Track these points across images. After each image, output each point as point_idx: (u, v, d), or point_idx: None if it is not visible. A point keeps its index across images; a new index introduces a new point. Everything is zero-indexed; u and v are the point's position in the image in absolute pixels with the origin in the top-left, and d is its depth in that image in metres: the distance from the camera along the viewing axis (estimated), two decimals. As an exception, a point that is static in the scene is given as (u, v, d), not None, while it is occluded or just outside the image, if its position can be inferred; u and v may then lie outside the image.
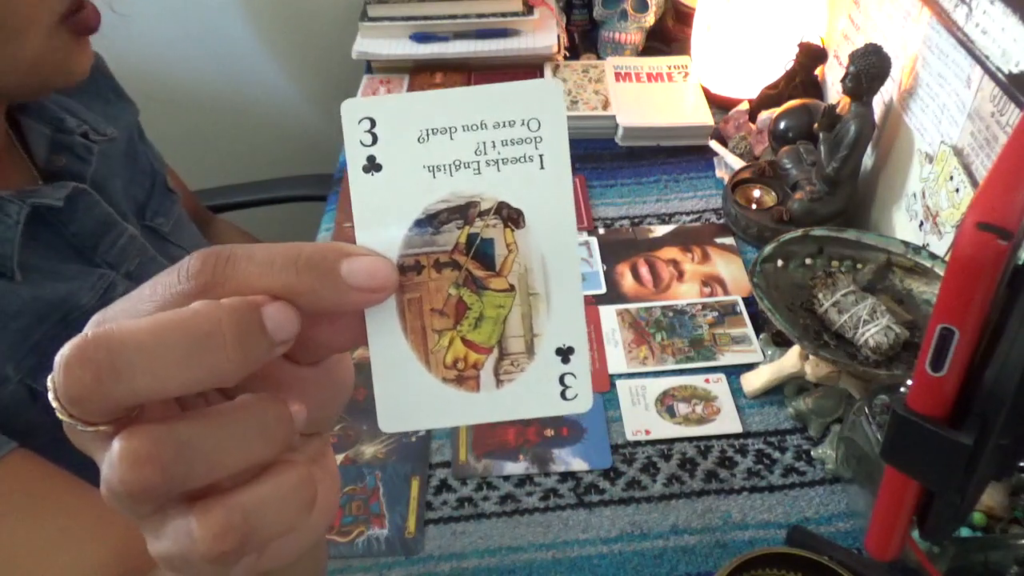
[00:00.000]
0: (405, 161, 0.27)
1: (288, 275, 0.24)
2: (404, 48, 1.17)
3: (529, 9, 1.18)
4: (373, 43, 1.18)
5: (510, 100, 0.27)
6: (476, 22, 1.17)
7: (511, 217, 0.27)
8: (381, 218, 0.27)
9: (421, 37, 1.17)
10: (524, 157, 0.27)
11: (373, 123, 0.27)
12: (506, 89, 0.27)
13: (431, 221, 0.27)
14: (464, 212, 0.27)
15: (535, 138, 0.27)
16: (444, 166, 0.27)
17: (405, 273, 0.27)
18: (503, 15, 1.17)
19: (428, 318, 0.27)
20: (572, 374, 0.28)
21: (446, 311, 0.27)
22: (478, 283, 0.27)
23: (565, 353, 0.28)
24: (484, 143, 0.27)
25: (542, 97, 0.27)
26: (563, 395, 0.28)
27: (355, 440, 0.74)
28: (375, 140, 0.27)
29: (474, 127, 0.27)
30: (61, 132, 0.63)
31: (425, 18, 1.17)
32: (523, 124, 0.27)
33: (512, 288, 0.27)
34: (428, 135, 0.27)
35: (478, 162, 0.27)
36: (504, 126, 0.27)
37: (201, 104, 1.52)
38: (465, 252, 0.27)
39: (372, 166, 0.27)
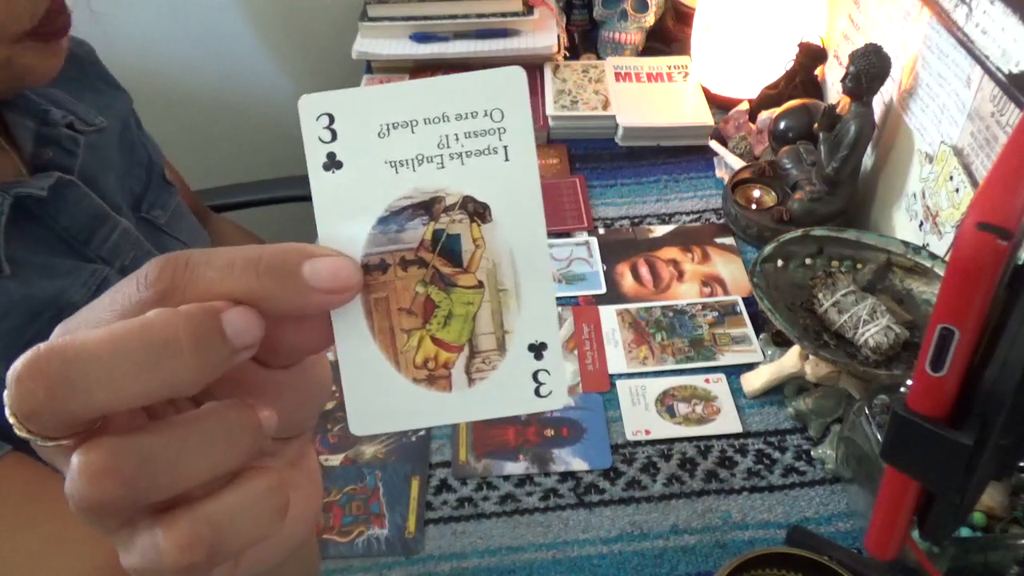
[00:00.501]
0: (366, 157, 0.26)
1: (248, 279, 0.24)
2: (404, 48, 1.17)
3: (529, 9, 1.18)
4: (373, 43, 1.18)
5: (472, 90, 0.26)
6: (476, 22, 1.17)
7: (477, 211, 0.26)
8: (343, 216, 0.26)
9: (421, 37, 1.17)
10: (488, 149, 0.26)
11: (332, 119, 0.26)
12: (467, 79, 0.26)
13: (395, 218, 0.26)
14: (429, 208, 0.26)
15: (499, 129, 0.26)
16: (406, 161, 0.26)
17: (370, 272, 0.26)
18: (503, 15, 1.17)
19: (396, 318, 0.27)
20: (545, 370, 0.27)
21: (414, 310, 0.27)
22: (446, 280, 0.27)
23: (537, 349, 0.27)
24: (447, 136, 0.26)
25: (504, 86, 0.26)
26: (537, 392, 0.27)
27: (355, 440, 0.74)
28: (334, 136, 0.26)
29: (436, 120, 0.26)
30: (46, 125, 0.62)
31: (425, 18, 1.17)
32: (486, 115, 0.26)
33: (481, 284, 0.27)
34: (389, 130, 0.26)
35: (441, 156, 0.26)
36: (466, 117, 0.26)
37: (201, 104, 1.52)
38: (431, 249, 0.27)
39: (332, 163, 0.26)
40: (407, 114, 0.26)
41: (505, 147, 0.26)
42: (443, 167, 0.26)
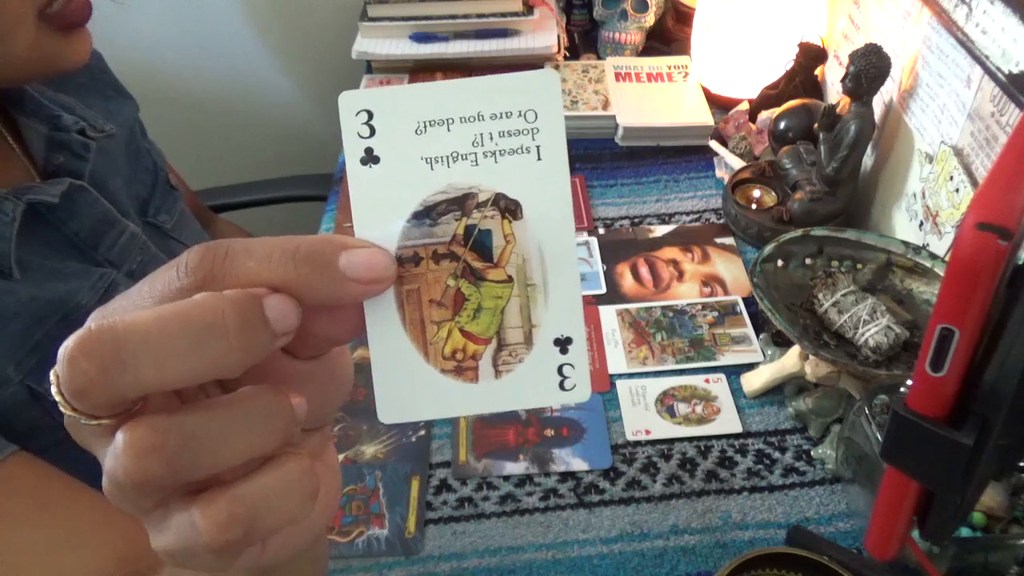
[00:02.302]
0: (403, 153, 0.27)
1: (286, 268, 0.24)
2: (404, 48, 1.17)
3: (529, 9, 1.18)
4: (373, 43, 1.18)
5: (507, 91, 0.27)
6: (476, 22, 1.17)
7: (508, 208, 0.27)
8: (379, 210, 0.27)
9: (421, 37, 1.17)
10: (521, 148, 0.27)
11: (371, 115, 0.27)
12: (503, 80, 0.27)
13: (429, 213, 0.27)
14: (462, 203, 0.27)
15: (532, 129, 0.27)
16: (442, 158, 0.27)
17: (403, 265, 0.27)
18: (503, 15, 1.17)
19: (427, 309, 0.27)
20: (570, 364, 0.28)
21: (444, 302, 0.28)
22: (476, 274, 0.28)
23: (563, 343, 0.28)
24: (481, 135, 0.27)
25: (539, 88, 0.27)
26: (561, 385, 0.28)
27: (355, 440, 0.74)
28: (373, 132, 0.27)
29: (471, 119, 0.27)
30: (58, 130, 0.62)
31: (425, 18, 1.17)
32: (520, 115, 0.27)
33: (510, 279, 0.28)
34: (425, 127, 0.27)
35: (475, 154, 0.27)
36: (501, 117, 0.27)
37: (201, 104, 1.52)
38: (463, 243, 0.27)
39: (370, 158, 0.27)
40: (443, 112, 0.27)
41: (538, 147, 0.27)
42: (477, 165, 0.27)
